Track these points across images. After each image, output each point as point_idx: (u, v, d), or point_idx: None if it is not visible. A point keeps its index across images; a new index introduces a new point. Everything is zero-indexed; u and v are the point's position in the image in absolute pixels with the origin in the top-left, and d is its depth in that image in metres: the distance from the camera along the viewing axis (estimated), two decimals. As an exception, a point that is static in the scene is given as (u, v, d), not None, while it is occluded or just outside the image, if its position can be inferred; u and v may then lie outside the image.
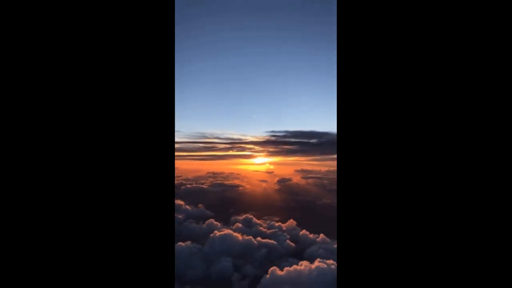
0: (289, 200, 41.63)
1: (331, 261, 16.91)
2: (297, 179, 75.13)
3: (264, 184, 63.67)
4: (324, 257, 17.71)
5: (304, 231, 24.66)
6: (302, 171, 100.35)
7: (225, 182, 59.49)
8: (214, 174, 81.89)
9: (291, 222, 27.87)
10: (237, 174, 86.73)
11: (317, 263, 16.25)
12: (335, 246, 21.03)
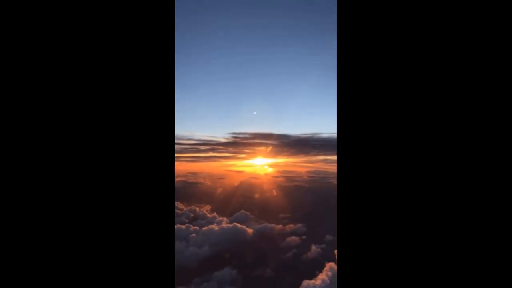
0: (230, 193, 48.51)
1: (196, 227, 24.53)
2: (265, 178, 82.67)
3: (225, 182, 70.19)
4: (198, 225, 25.27)
5: (205, 211, 32.11)
6: (283, 171, 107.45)
7: (189, 180, 66.14)
8: (192, 174, 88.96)
9: (207, 207, 35.33)
10: (208, 172, 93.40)
11: (180, 226, 23.81)
12: (216, 219, 28.44)
